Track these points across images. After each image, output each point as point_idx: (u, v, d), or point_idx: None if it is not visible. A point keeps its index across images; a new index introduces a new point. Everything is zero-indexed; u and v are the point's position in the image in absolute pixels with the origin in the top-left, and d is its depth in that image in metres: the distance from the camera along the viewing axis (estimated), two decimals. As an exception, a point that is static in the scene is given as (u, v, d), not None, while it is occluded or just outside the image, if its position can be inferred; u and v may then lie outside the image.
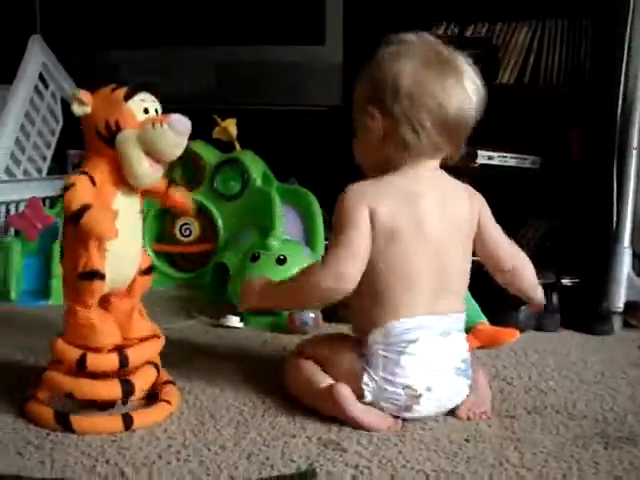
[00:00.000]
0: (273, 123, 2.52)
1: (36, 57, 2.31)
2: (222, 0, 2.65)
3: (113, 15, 2.74)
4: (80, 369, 1.14)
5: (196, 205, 2.22)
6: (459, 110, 1.24)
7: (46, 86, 2.41)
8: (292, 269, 1.78)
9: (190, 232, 2.26)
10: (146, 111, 1.15)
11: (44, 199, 2.31)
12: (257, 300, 1.37)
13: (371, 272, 1.20)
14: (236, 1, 2.64)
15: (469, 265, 1.33)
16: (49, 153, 2.49)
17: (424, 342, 1.19)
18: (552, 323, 1.86)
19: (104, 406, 1.17)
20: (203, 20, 2.65)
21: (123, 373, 1.17)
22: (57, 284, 1.98)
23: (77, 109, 1.14)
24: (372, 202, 1.20)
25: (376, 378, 1.19)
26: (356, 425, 1.17)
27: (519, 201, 2.59)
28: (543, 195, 2.55)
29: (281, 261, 1.81)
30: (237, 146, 2.20)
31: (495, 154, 2.43)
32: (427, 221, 1.23)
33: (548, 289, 1.88)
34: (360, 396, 1.19)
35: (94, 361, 1.14)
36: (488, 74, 2.42)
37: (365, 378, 1.19)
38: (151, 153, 1.13)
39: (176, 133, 1.13)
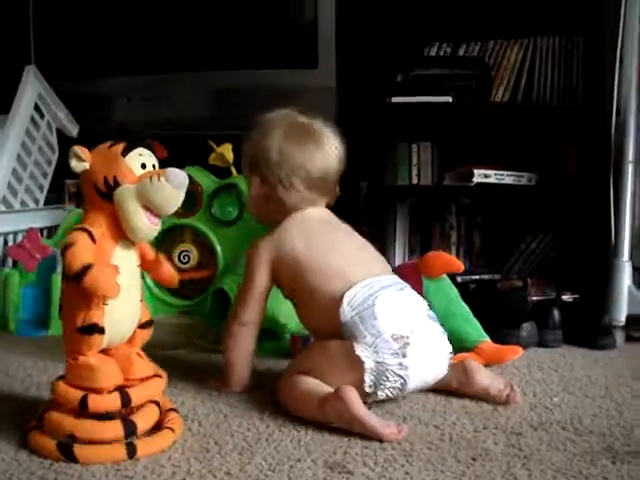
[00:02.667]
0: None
1: (31, 87, 2.32)
2: (213, 26, 2.66)
3: (106, 43, 2.74)
4: (82, 410, 1.13)
5: (192, 231, 2.24)
6: (322, 168, 1.47)
7: (41, 116, 2.42)
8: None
9: (189, 259, 2.25)
10: (143, 166, 1.17)
11: (42, 230, 2.31)
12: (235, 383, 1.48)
13: (305, 283, 1.40)
14: (228, 26, 2.65)
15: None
16: (46, 183, 2.49)
17: (385, 295, 1.33)
18: (554, 339, 1.86)
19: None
20: (196, 46, 2.66)
21: (125, 412, 1.17)
22: (56, 314, 1.97)
23: (76, 165, 1.16)
24: (276, 244, 1.46)
25: (365, 341, 1.29)
26: (361, 427, 1.20)
27: (517, 218, 2.60)
28: (541, 211, 2.56)
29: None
30: (234, 171, 2.21)
31: (491, 172, 2.44)
32: (329, 223, 1.51)
33: (549, 304, 1.89)
34: (360, 366, 1.28)
35: (96, 401, 1.13)
36: (481, 93, 2.45)
37: (357, 348, 1.29)
38: (149, 207, 1.15)
39: (173, 186, 1.14)
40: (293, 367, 1.40)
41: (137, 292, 1.22)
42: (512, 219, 2.63)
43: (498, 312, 1.85)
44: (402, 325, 1.31)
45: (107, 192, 1.14)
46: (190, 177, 2.18)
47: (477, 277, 2.26)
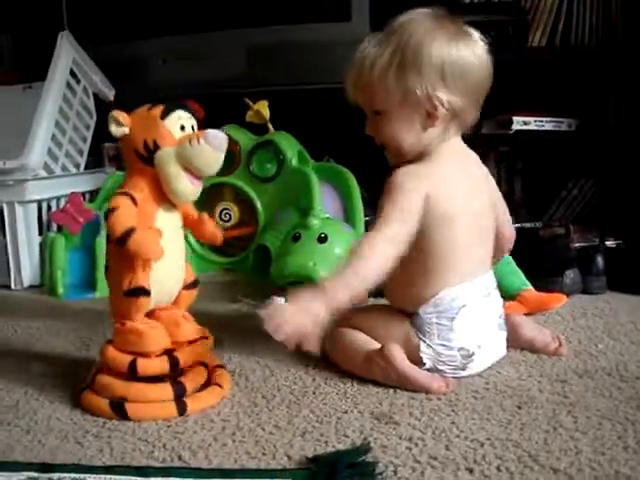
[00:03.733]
0: (305, 103, 2.52)
1: (66, 53, 2.32)
2: (244, -18, 2.65)
3: (138, 5, 2.74)
4: (132, 374, 1.16)
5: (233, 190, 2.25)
6: (490, 77, 1.29)
7: (77, 81, 2.43)
8: (334, 247, 1.80)
9: (230, 217, 2.27)
10: (182, 128, 1.17)
11: (84, 193, 2.34)
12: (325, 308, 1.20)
13: (423, 250, 1.25)
14: (258, -18, 2.64)
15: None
16: (85, 147, 2.51)
17: (472, 306, 1.25)
18: (598, 286, 1.85)
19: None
20: (228, 4, 2.64)
21: (174, 375, 1.19)
22: (102, 276, 2.00)
23: (115, 130, 1.16)
24: (427, 184, 1.24)
25: (433, 346, 1.24)
26: (407, 383, 1.21)
27: (557, 165, 2.57)
28: (582, 157, 2.52)
29: (322, 239, 1.81)
30: (270, 128, 2.21)
31: (531, 119, 2.41)
32: (471, 197, 1.29)
33: (592, 251, 1.87)
34: (418, 363, 1.24)
35: (145, 365, 1.16)
36: (518, 38, 2.41)
37: (422, 347, 1.25)
38: (189, 169, 1.15)
39: (213, 148, 1.15)
40: (343, 319, 1.36)
41: (181, 254, 1.23)
42: (553, 166, 2.59)
43: (540, 260, 1.84)
44: (472, 340, 1.25)
45: (147, 156, 1.15)
46: (228, 136, 2.21)
47: (518, 225, 2.24)
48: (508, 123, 2.41)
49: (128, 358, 1.16)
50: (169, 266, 1.19)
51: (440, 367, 1.25)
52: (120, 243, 1.10)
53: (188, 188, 1.16)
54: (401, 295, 1.32)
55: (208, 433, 1.08)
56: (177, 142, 1.15)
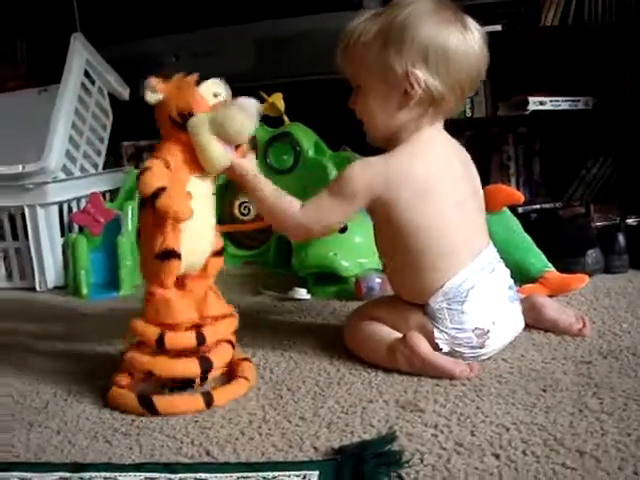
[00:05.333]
0: (319, 93, 2.51)
1: (79, 55, 2.34)
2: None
3: (148, 3, 2.75)
4: (159, 347, 1.17)
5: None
6: (481, 70, 1.28)
7: (92, 82, 2.44)
8: (354, 236, 1.80)
9: (249, 210, 2.28)
10: (215, 95, 1.18)
11: (104, 193, 2.36)
12: (239, 175, 1.28)
13: (417, 249, 1.26)
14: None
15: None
16: (103, 148, 2.52)
17: (479, 285, 1.25)
18: (620, 264, 1.84)
19: (184, 384, 1.20)
20: (238, -2, 2.65)
21: (201, 351, 1.20)
22: (125, 275, 2.03)
23: (150, 97, 1.17)
24: (380, 186, 1.24)
25: (446, 330, 1.25)
26: (431, 369, 1.21)
27: (576, 144, 2.55)
28: (600, 135, 2.50)
29: (342, 229, 1.81)
30: (286, 120, 2.21)
31: (547, 99, 2.40)
32: (453, 184, 1.29)
33: (613, 230, 1.86)
34: (436, 349, 1.24)
35: (172, 339, 1.17)
36: (530, 18, 2.39)
37: (436, 333, 1.25)
38: (222, 136, 1.16)
39: (245, 115, 1.15)
40: (362, 312, 1.39)
41: (211, 221, 1.24)
42: (571, 145, 2.58)
43: (561, 241, 1.83)
44: (486, 318, 1.25)
45: (182, 122, 1.16)
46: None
47: (538, 207, 2.23)
48: (524, 104, 2.40)
49: (157, 331, 1.17)
50: (199, 231, 1.20)
51: (458, 349, 1.25)
52: (150, 201, 1.11)
53: (220, 154, 1.17)
54: (408, 291, 1.32)
55: (235, 427, 1.09)
56: (211, 108, 1.16)
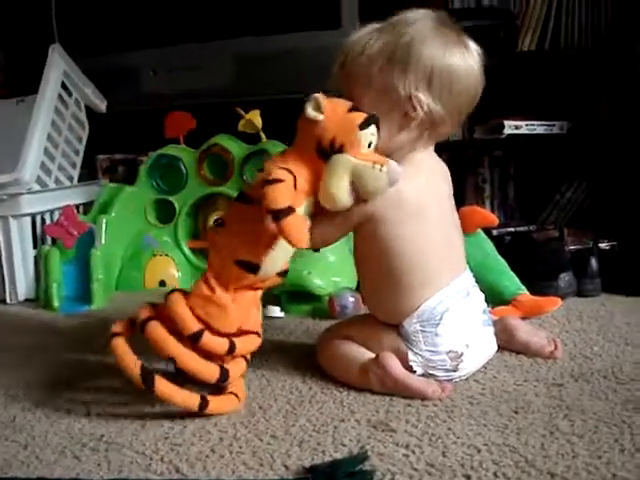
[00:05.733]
0: (297, 111, 2.52)
1: (57, 66, 2.33)
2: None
3: (127, 17, 2.74)
4: (192, 342, 1.15)
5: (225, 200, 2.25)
6: (479, 91, 1.28)
7: (69, 94, 2.43)
8: (327, 254, 1.81)
9: (224, 227, 2.27)
10: (369, 145, 1.15)
11: (78, 206, 2.34)
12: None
13: (396, 267, 1.25)
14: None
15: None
16: (79, 160, 2.51)
17: (454, 309, 1.25)
18: (593, 288, 1.85)
19: (196, 382, 1.19)
20: (217, 14, 2.64)
21: (223, 359, 1.19)
22: (98, 289, 2.01)
23: (310, 112, 1.15)
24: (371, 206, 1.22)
25: (420, 353, 1.24)
26: (403, 389, 1.21)
27: (550, 168, 2.58)
28: (574, 160, 2.53)
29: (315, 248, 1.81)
30: (263, 137, 2.21)
31: (522, 123, 2.42)
32: (440, 197, 1.30)
33: (586, 254, 1.87)
34: (409, 371, 1.24)
35: (209, 341, 1.16)
36: (508, 43, 2.42)
37: (410, 355, 1.24)
38: (355, 185, 1.14)
39: (389, 182, 1.13)
40: (336, 331, 1.39)
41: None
42: (546, 169, 2.60)
43: (535, 264, 1.84)
44: (459, 341, 1.24)
45: (328, 152, 1.14)
46: (221, 145, 2.22)
47: (512, 229, 2.25)
48: (500, 128, 2.42)
49: (197, 325, 1.15)
50: (286, 254, 1.19)
51: (431, 372, 1.25)
52: (274, 217, 1.08)
53: (345, 200, 1.15)
54: (383, 312, 1.31)
55: (206, 445, 1.08)
56: (362, 158, 1.13)
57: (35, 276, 2.14)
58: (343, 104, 1.17)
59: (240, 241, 1.16)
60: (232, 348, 1.18)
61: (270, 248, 1.15)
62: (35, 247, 2.18)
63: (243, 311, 1.21)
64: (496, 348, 1.35)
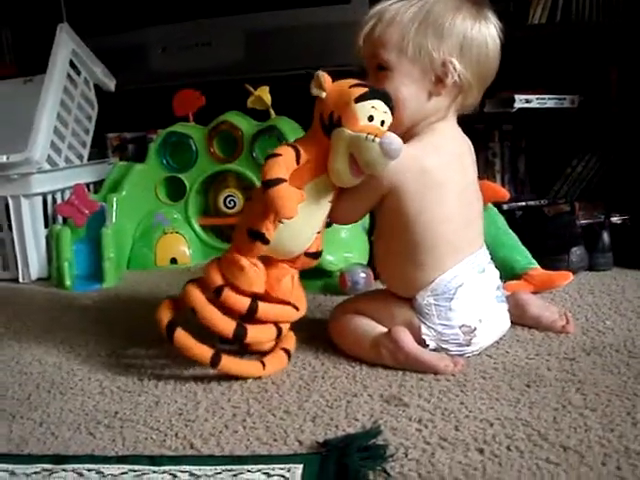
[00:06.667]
0: (306, 87, 2.51)
1: (65, 45, 2.32)
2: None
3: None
4: (215, 296, 1.21)
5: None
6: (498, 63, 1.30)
7: (78, 73, 2.42)
8: (339, 230, 1.80)
9: (235, 203, 2.27)
10: (371, 118, 1.16)
11: (88, 185, 2.34)
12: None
13: (414, 242, 1.25)
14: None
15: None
16: (88, 139, 2.51)
17: (468, 284, 1.25)
18: (604, 262, 1.85)
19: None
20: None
21: (246, 320, 1.22)
22: (109, 267, 2.02)
23: (314, 90, 1.20)
24: (422, 159, 1.23)
25: (433, 326, 1.25)
26: (415, 364, 1.22)
27: (561, 142, 2.56)
28: (585, 133, 2.51)
29: (327, 224, 1.81)
30: (272, 113, 2.20)
31: (533, 97, 2.40)
32: (464, 169, 1.30)
33: (598, 228, 1.87)
34: (422, 345, 1.25)
35: (228, 296, 1.21)
36: (519, 16, 2.39)
37: (424, 329, 1.25)
38: (355, 158, 1.15)
39: (382, 152, 1.12)
40: (349, 305, 1.39)
41: (314, 225, 1.25)
42: (556, 143, 2.59)
43: (546, 238, 1.84)
44: (473, 316, 1.25)
45: (328, 127, 1.18)
46: (230, 122, 2.22)
47: (523, 204, 2.24)
48: (510, 101, 2.40)
49: (220, 281, 1.22)
50: (298, 230, 1.22)
51: (444, 346, 1.25)
52: (264, 186, 1.13)
53: (346, 173, 1.17)
54: (397, 284, 1.32)
55: (219, 420, 1.08)
56: (358, 129, 1.15)
57: (47, 255, 2.15)
58: (347, 82, 1.19)
59: (253, 211, 1.21)
60: (253, 308, 1.21)
61: (274, 220, 1.18)
62: (46, 226, 2.19)
63: (267, 278, 1.24)
64: (509, 324, 1.35)
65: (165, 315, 1.24)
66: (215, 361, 1.19)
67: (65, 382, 1.27)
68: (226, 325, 1.20)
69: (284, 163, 1.15)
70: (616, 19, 2.33)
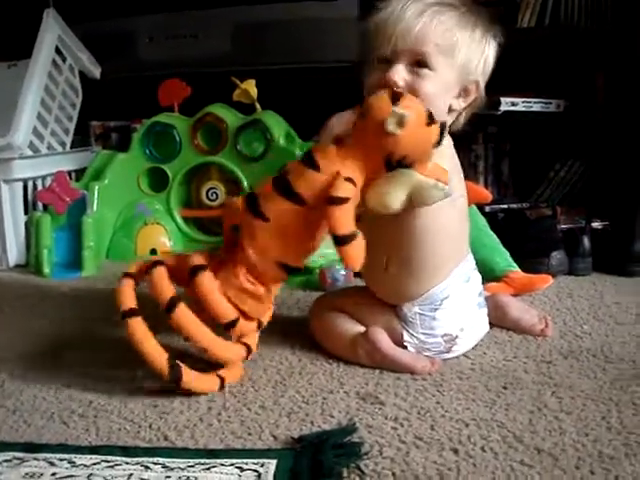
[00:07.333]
0: (292, 82, 2.50)
1: (51, 30, 2.30)
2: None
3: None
4: (226, 329, 1.13)
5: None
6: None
7: (63, 59, 2.40)
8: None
9: (217, 196, 2.26)
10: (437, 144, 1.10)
11: (70, 172, 2.33)
12: None
13: (426, 250, 1.23)
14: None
15: None
16: (72, 126, 2.49)
17: (454, 294, 1.25)
18: (584, 267, 1.86)
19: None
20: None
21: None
22: (89, 255, 2.00)
23: (392, 128, 1.05)
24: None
25: (416, 335, 1.25)
26: (392, 364, 1.22)
27: (545, 146, 2.57)
28: (570, 138, 2.51)
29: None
30: (258, 107, 2.19)
31: (519, 100, 2.40)
32: (460, 175, 1.28)
33: (579, 232, 1.88)
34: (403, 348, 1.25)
35: (243, 327, 1.15)
36: (508, 19, 2.40)
37: (406, 336, 1.25)
38: (412, 198, 1.08)
39: (443, 197, 1.09)
40: (330, 302, 1.38)
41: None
42: (540, 147, 2.59)
43: (527, 241, 1.85)
44: (455, 325, 1.25)
45: (395, 166, 1.07)
46: (215, 114, 2.21)
47: (506, 206, 2.25)
48: (496, 104, 2.40)
49: (234, 313, 1.12)
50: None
51: (425, 353, 1.25)
52: (340, 243, 1.04)
53: (395, 208, 1.09)
54: (388, 293, 1.30)
55: (194, 413, 1.08)
56: (427, 173, 1.08)
57: (26, 242, 2.13)
58: (421, 114, 1.07)
59: (287, 244, 1.12)
60: (260, 325, 1.20)
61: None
62: (26, 213, 2.17)
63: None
64: (488, 329, 1.35)
65: (126, 299, 1.13)
66: (176, 376, 1.11)
67: (39, 370, 1.26)
68: (238, 353, 1.17)
69: (353, 209, 1.05)
70: (604, 25, 2.34)
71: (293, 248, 1.13)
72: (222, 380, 1.15)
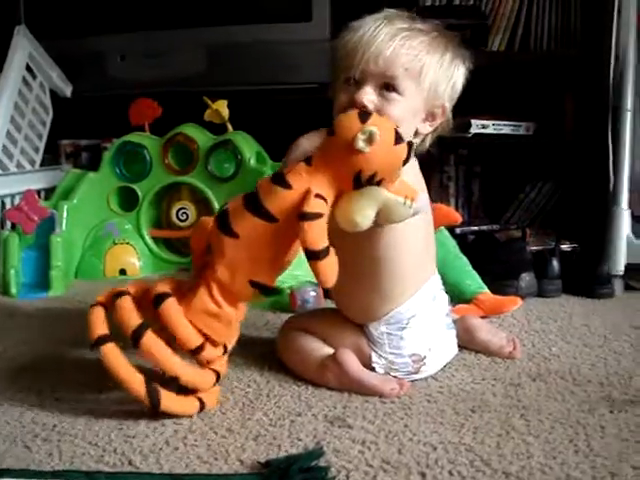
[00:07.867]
0: (264, 102, 2.51)
1: (22, 48, 2.29)
2: (205, -20, 2.63)
3: (97, 0, 2.70)
4: (193, 354, 1.12)
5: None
6: None
7: (34, 77, 2.40)
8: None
9: (187, 216, 2.26)
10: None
11: (39, 191, 2.31)
12: None
13: (391, 269, 1.23)
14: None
15: None
16: (41, 145, 2.48)
17: (421, 314, 1.25)
18: (553, 289, 1.87)
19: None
20: (188, 2, 2.62)
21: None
22: (57, 275, 1.98)
23: (362, 145, 1.04)
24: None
25: (384, 355, 1.25)
26: (360, 387, 1.21)
27: (515, 168, 2.59)
28: (539, 161, 2.54)
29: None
30: (229, 127, 2.19)
31: (489, 122, 2.42)
32: (427, 201, 1.28)
33: (548, 255, 1.89)
34: (371, 370, 1.24)
35: (209, 353, 1.13)
36: (478, 42, 2.42)
37: (374, 357, 1.25)
38: (380, 215, 1.08)
39: (411, 215, 1.10)
40: (298, 323, 1.37)
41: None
42: (511, 169, 2.61)
43: (497, 263, 1.85)
44: (423, 345, 1.25)
45: (364, 184, 1.07)
46: (186, 134, 2.20)
47: (476, 228, 2.26)
48: (466, 126, 2.42)
49: (199, 340, 1.11)
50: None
51: (393, 374, 1.25)
52: (313, 257, 1.04)
53: (364, 226, 1.08)
54: (356, 312, 1.29)
55: (160, 437, 1.06)
56: (395, 190, 1.08)
57: (-7, 261, 2.10)
58: (390, 132, 1.06)
59: (259, 262, 1.11)
60: (226, 350, 1.18)
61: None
62: (-5, 231, 2.15)
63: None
64: (457, 351, 1.35)
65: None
66: (156, 400, 1.09)
67: (3, 392, 1.24)
68: (210, 381, 1.15)
69: (325, 225, 1.05)
70: (573, 49, 2.37)
71: (263, 265, 1.12)
72: (202, 403, 1.14)
